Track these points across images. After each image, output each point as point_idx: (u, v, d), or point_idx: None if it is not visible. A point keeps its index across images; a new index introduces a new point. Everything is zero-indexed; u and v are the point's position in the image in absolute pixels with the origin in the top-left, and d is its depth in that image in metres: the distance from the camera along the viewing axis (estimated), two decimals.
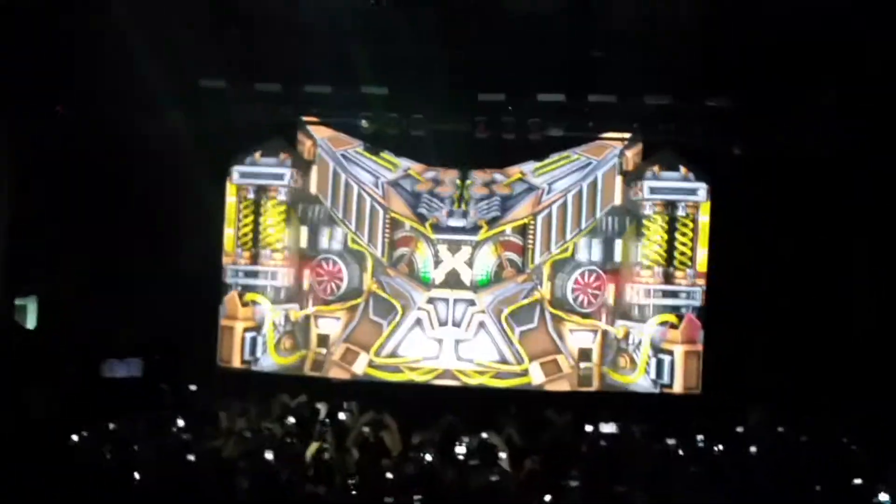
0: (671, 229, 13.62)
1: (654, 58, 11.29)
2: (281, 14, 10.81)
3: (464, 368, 13.82)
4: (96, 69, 11.96)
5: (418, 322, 13.95)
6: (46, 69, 12.00)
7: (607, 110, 12.37)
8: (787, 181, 12.49)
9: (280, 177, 14.12)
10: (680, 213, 13.61)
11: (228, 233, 14.11)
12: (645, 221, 13.70)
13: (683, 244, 13.62)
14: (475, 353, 13.84)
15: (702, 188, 13.56)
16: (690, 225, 13.61)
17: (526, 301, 13.92)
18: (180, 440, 9.56)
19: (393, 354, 13.94)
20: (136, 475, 7.62)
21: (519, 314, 13.91)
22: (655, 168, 13.66)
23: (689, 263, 13.59)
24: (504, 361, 13.81)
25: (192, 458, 8.53)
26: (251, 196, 14.14)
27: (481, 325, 13.86)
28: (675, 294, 13.63)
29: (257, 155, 14.14)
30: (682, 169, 13.61)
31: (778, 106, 11.59)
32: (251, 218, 14.14)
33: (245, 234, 14.13)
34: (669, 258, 13.64)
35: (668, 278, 13.64)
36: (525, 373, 13.81)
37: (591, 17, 10.43)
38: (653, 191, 13.70)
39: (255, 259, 14.11)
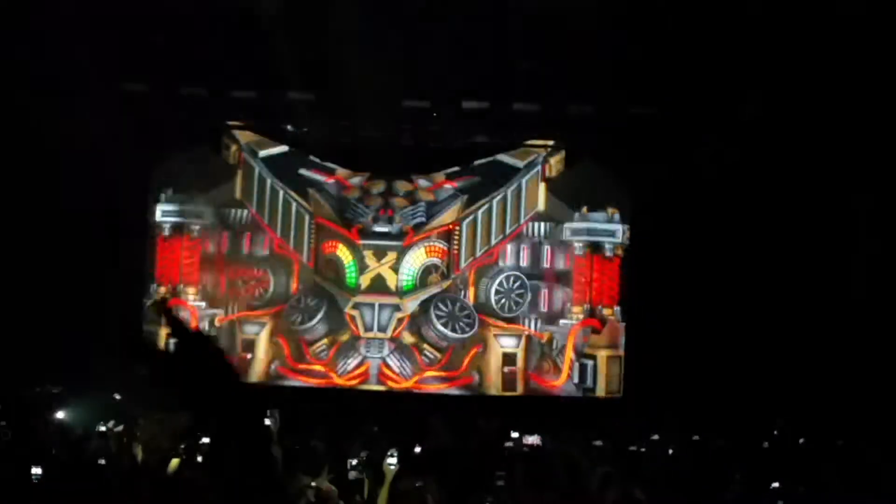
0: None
1: (576, 67, 11.44)
2: (206, 19, 10.72)
3: (388, 373, 13.88)
4: (18, 73, 11.73)
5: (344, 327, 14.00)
6: None
7: (531, 118, 12.52)
8: (707, 189, 12.74)
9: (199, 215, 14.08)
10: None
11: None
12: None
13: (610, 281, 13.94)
14: (400, 359, 13.92)
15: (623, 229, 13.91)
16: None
17: None
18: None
19: (318, 359, 13.94)
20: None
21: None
22: (584, 210, 13.95)
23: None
24: (429, 366, 13.92)
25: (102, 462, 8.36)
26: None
27: (406, 330, 13.94)
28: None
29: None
30: (609, 210, 13.90)
31: (700, 116, 11.82)
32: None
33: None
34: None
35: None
36: (451, 378, 13.92)
37: (511, 26, 10.54)
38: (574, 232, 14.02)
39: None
